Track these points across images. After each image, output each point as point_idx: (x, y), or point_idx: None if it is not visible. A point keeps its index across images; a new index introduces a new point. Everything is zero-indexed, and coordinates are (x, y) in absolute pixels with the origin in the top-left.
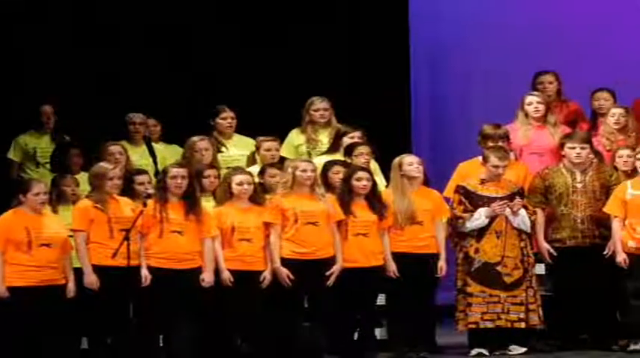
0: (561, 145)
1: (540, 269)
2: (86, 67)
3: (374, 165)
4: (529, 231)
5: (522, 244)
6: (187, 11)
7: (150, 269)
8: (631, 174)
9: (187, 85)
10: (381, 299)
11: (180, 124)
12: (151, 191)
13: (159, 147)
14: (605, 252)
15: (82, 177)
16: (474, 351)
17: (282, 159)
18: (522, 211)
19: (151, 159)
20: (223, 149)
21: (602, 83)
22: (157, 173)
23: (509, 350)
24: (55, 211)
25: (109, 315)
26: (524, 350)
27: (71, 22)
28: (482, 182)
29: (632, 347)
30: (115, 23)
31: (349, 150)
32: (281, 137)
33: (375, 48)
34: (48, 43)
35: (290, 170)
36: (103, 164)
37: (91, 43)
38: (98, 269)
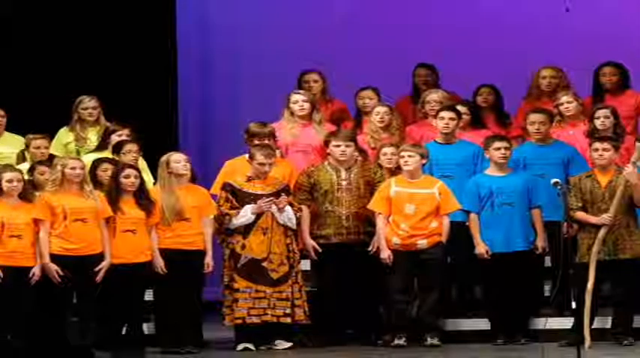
0: (326, 143)
1: (306, 265)
2: None
3: (142, 163)
4: (295, 227)
5: (288, 241)
6: None
7: None
8: (395, 171)
9: None
10: (148, 295)
11: None
12: None
13: None
14: (369, 249)
15: None
16: (241, 346)
17: (52, 157)
18: (288, 208)
19: None
20: None
21: (367, 81)
22: None
23: (275, 345)
24: None
25: None
26: (289, 344)
27: None
28: (249, 179)
29: (396, 342)
30: None
31: (117, 148)
32: (50, 135)
33: (144, 48)
34: None
35: (59, 167)
36: None
37: None
38: None
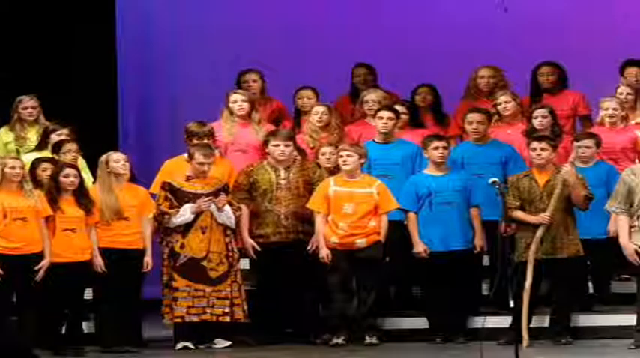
0: (265, 143)
1: (245, 264)
2: None
3: (81, 162)
4: (234, 226)
5: (227, 239)
6: None
7: None
8: (334, 170)
9: None
10: (88, 294)
11: None
12: None
13: None
14: (308, 248)
15: None
16: (180, 345)
17: None
18: (227, 207)
19: None
20: None
21: (306, 81)
22: None
23: (214, 344)
24: None
25: None
26: (228, 343)
27: None
28: (188, 178)
29: (335, 340)
30: None
31: (57, 148)
32: None
33: (84, 47)
34: None
35: None
36: None
37: None
38: None
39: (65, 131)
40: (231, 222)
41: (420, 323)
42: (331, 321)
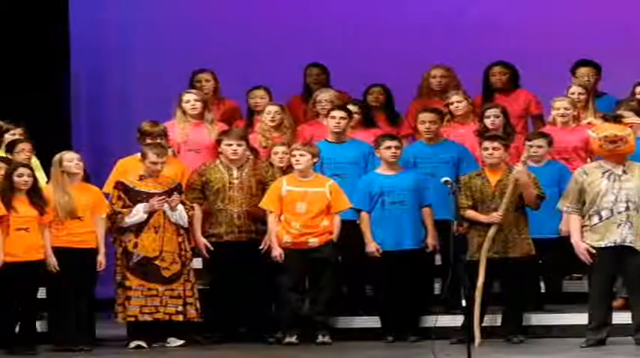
0: (218, 142)
1: (198, 263)
2: None
3: (35, 162)
4: (187, 226)
5: (180, 239)
6: None
7: None
8: (286, 170)
9: None
10: (41, 293)
11: None
12: None
13: None
14: (261, 247)
15: None
16: (133, 343)
17: None
18: (180, 206)
19: None
20: None
21: (258, 81)
22: None
23: (168, 343)
24: None
25: None
26: (181, 342)
27: None
28: (141, 178)
29: (288, 339)
30: None
31: (10, 147)
32: None
33: (36, 46)
34: None
35: None
36: None
37: None
38: None
39: (19, 130)
40: (184, 221)
41: (373, 322)
42: (284, 320)
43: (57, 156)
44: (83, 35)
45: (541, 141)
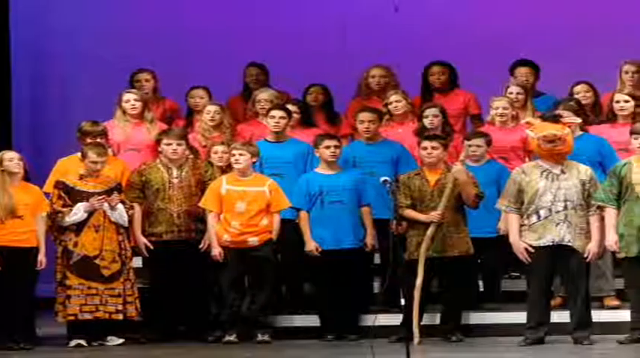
0: (158, 142)
1: (138, 262)
2: None
3: None
4: (127, 225)
5: (120, 238)
6: None
7: None
8: (226, 169)
9: None
10: None
11: None
12: None
13: None
14: (200, 246)
15: None
16: (73, 342)
17: None
18: (120, 206)
19: None
20: None
21: (198, 81)
22: None
23: (107, 341)
24: None
25: None
26: (121, 341)
27: None
28: (82, 177)
29: (227, 338)
30: None
31: None
32: None
33: None
34: None
35: None
36: None
37: None
38: None
39: None
40: (124, 220)
41: (312, 320)
42: (223, 319)
43: None
44: (23, 36)
45: (480, 141)
